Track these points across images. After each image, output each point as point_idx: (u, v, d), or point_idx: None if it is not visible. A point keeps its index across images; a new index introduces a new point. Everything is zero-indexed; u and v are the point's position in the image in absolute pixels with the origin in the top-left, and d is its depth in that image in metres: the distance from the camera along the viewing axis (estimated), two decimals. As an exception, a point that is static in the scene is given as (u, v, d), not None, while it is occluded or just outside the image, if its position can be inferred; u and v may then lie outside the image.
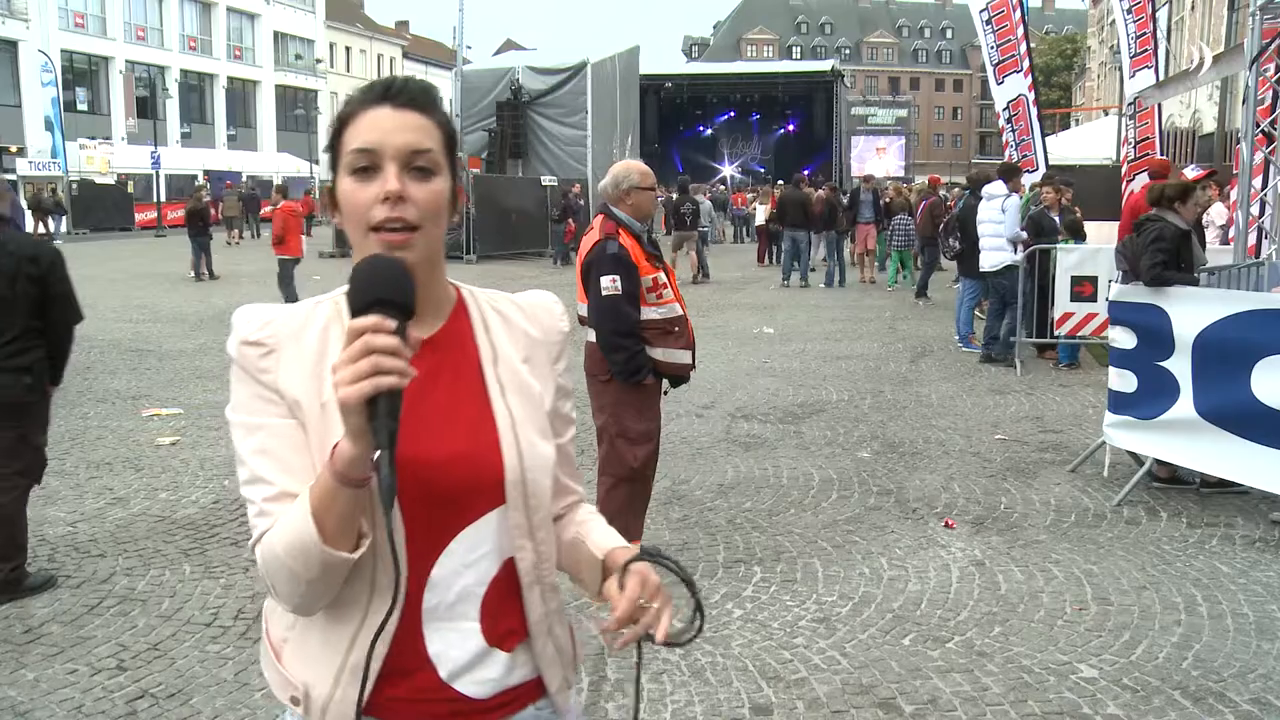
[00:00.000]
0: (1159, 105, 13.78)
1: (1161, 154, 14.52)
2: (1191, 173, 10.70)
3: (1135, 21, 13.73)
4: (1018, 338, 10.10)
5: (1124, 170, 14.50)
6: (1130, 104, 13.75)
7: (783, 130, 49.27)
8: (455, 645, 1.35)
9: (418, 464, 1.28)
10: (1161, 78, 13.40)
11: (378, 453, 1.15)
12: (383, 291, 1.18)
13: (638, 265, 4.52)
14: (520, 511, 1.38)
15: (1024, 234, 10.28)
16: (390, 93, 1.35)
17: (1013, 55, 15.02)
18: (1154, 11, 13.88)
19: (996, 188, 10.55)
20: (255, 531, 1.30)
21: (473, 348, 1.42)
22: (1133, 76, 13.53)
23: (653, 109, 42.74)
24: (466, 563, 1.35)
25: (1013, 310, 10.24)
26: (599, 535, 1.49)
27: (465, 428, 1.36)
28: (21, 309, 4.43)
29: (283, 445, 1.31)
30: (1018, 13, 15.02)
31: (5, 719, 3.47)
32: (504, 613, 1.39)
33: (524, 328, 1.47)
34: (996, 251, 10.28)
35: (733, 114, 50.18)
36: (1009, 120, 15.16)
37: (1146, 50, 13.58)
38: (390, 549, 1.19)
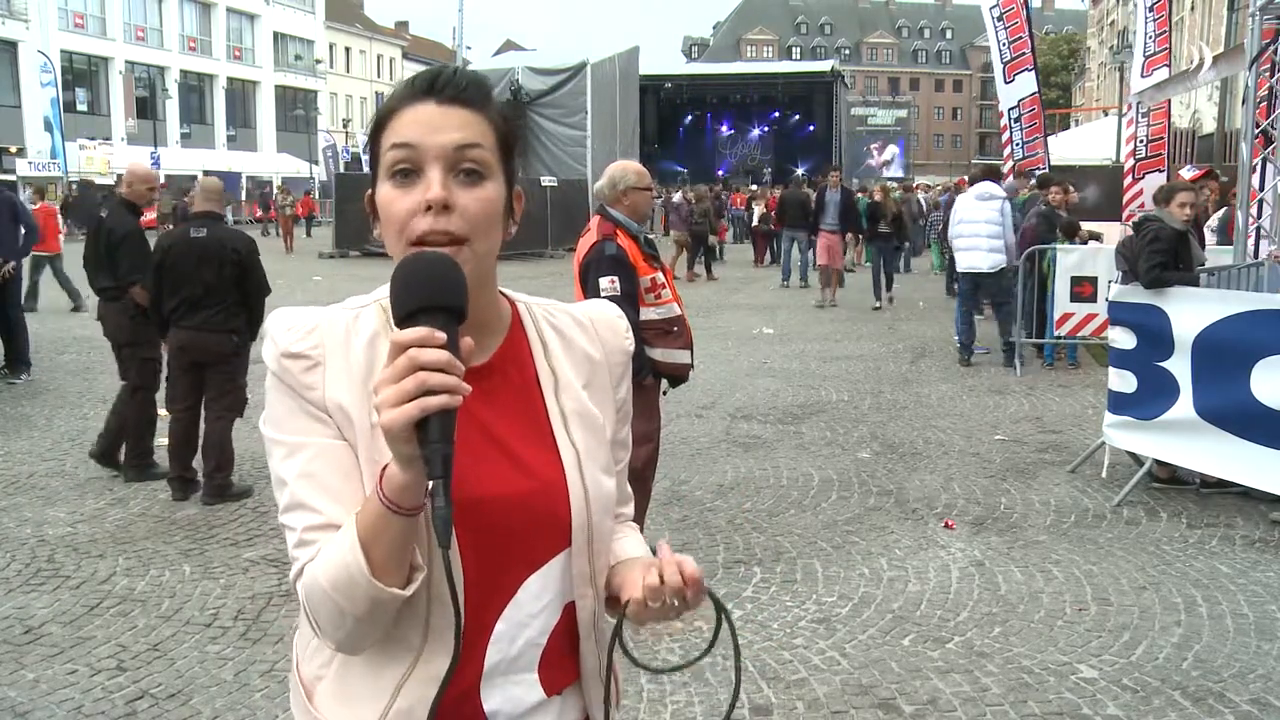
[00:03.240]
0: (1169, 104, 13.75)
1: (1168, 154, 14.51)
2: (1189, 173, 10.71)
3: (1156, 20, 13.68)
4: (1017, 338, 10.10)
5: (1128, 168, 14.48)
6: (1140, 102, 13.71)
7: (783, 130, 49.30)
8: (514, 700, 1.24)
9: (479, 505, 1.16)
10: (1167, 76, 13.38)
11: (430, 482, 1.02)
12: (428, 297, 1.05)
13: (636, 266, 4.52)
14: (584, 557, 1.25)
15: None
16: (436, 86, 1.18)
17: (1024, 53, 15.00)
18: (1171, 9, 13.83)
19: (992, 188, 10.38)
20: (296, 564, 1.16)
21: (531, 373, 1.28)
22: (1149, 75, 13.47)
23: (653, 109, 42.75)
24: (533, 613, 1.24)
25: (1004, 310, 10.31)
26: (626, 544, 1.36)
27: (528, 464, 1.22)
28: (228, 285, 5.74)
29: (330, 469, 1.17)
30: (1025, 10, 15.01)
31: (5, 719, 3.47)
32: (561, 662, 1.29)
33: (585, 349, 1.32)
34: (994, 254, 10.14)
35: (733, 114, 50.20)
36: (1017, 119, 15.10)
37: (1165, 49, 13.53)
38: (450, 589, 1.06)
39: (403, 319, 1.05)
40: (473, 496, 1.14)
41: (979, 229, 10.26)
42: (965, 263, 10.39)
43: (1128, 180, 13.92)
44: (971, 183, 12.34)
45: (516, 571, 1.22)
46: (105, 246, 6.32)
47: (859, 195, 17.66)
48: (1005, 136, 15.59)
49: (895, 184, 32.08)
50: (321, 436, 1.17)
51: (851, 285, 18.03)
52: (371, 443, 1.16)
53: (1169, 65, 13.38)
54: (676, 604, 1.18)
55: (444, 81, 1.19)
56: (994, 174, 10.85)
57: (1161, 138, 13.95)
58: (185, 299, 5.70)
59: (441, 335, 1.01)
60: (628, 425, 1.39)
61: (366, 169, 1.30)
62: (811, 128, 45.68)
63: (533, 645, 1.24)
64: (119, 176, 6.86)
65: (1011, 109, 15.18)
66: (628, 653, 1.25)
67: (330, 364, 1.19)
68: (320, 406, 1.18)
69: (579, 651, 1.30)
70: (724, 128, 51.14)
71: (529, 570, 1.23)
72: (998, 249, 10.14)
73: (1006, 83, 15.23)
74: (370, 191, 1.22)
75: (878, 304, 14.95)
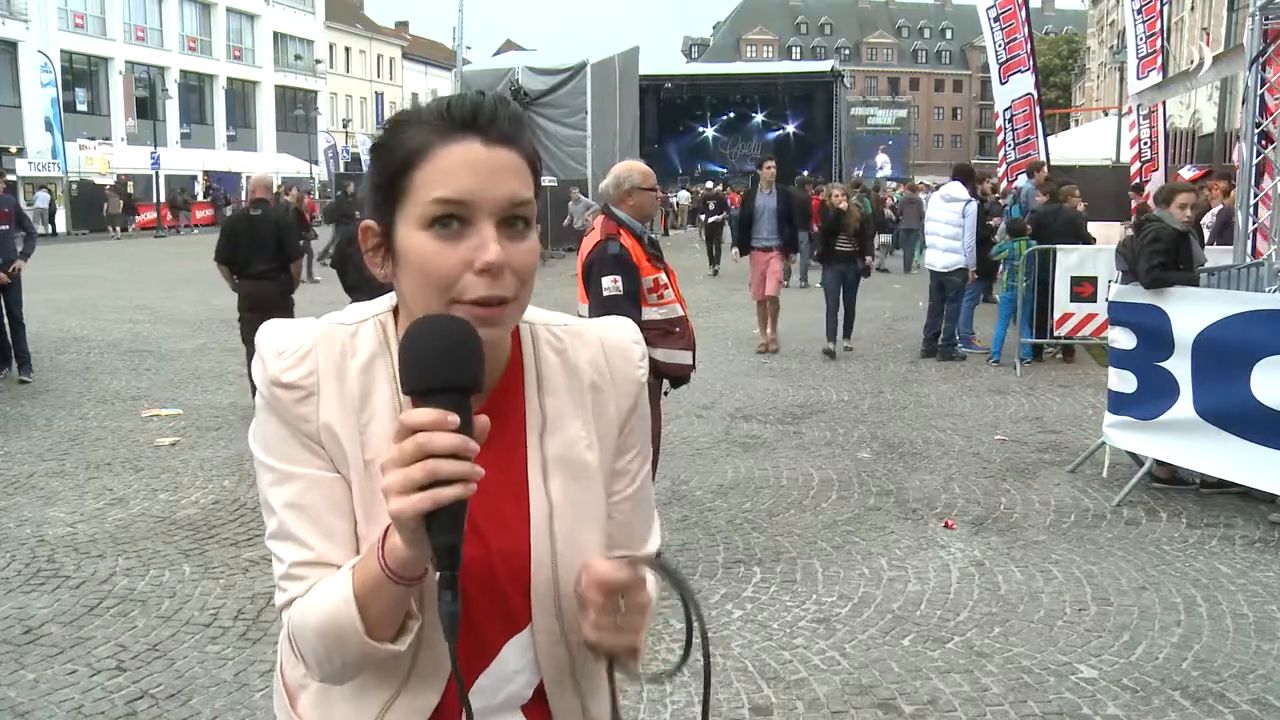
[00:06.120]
0: (1164, 105, 13.80)
1: (1164, 155, 14.56)
2: (1189, 173, 10.75)
3: (1145, 22, 13.72)
4: (1019, 338, 10.13)
5: (1135, 170, 14.52)
6: (1140, 104, 13.77)
7: (782, 130, 49.31)
8: None
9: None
10: (1161, 78, 13.44)
11: (438, 574, 0.97)
12: (443, 376, 0.96)
13: (639, 266, 4.53)
14: (552, 618, 1.19)
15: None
16: (479, 123, 1.07)
17: (1019, 54, 15.03)
18: (1161, 10, 13.89)
19: (956, 190, 10.66)
20: (282, 594, 1.13)
21: (520, 413, 1.19)
22: (1144, 77, 13.51)
23: (652, 109, 42.74)
24: (516, 669, 1.20)
25: (953, 309, 10.61)
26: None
27: (503, 517, 1.16)
28: None
29: (322, 503, 1.12)
30: (1023, 11, 15.04)
31: (5, 719, 3.47)
32: (543, 704, 1.25)
33: (591, 377, 1.23)
34: (950, 254, 10.54)
35: (732, 114, 50.22)
36: (1009, 120, 15.16)
37: (1154, 51, 13.58)
38: (459, 687, 1.02)
39: (412, 394, 0.98)
40: None
41: (938, 229, 10.69)
42: (927, 261, 11.04)
43: (1136, 183, 13.97)
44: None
45: (496, 635, 1.18)
46: (274, 232, 7.89)
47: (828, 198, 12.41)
48: (1000, 138, 15.64)
49: (896, 183, 31.93)
50: (314, 468, 1.12)
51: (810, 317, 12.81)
52: (365, 479, 1.11)
53: (1162, 67, 13.43)
54: (621, 609, 1.11)
55: (487, 118, 1.07)
56: (966, 174, 11.08)
57: (1155, 139, 14.04)
58: (351, 277, 6.82)
59: (455, 418, 0.94)
60: (633, 453, 1.27)
61: (365, 167, 1.21)
62: (812, 128, 45.69)
63: (517, 696, 1.22)
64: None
65: (1006, 109, 15.22)
66: (624, 671, 1.20)
67: (324, 394, 1.13)
68: (314, 438, 1.12)
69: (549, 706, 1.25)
70: (724, 128, 51.14)
71: (509, 633, 1.19)
72: (954, 249, 10.53)
73: (1002, 84, 15.27)
74: (374, 225, 1.12)
75: (830, 346, 10.87)
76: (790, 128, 48.80)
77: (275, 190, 19.07)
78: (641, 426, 1.28)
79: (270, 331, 1.16)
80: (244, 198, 8.60)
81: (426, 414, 0.94)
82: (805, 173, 24.74)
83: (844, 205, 11.07)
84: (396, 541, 0.99)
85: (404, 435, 0.94)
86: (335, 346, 1.15)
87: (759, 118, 50.00)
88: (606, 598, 1.10)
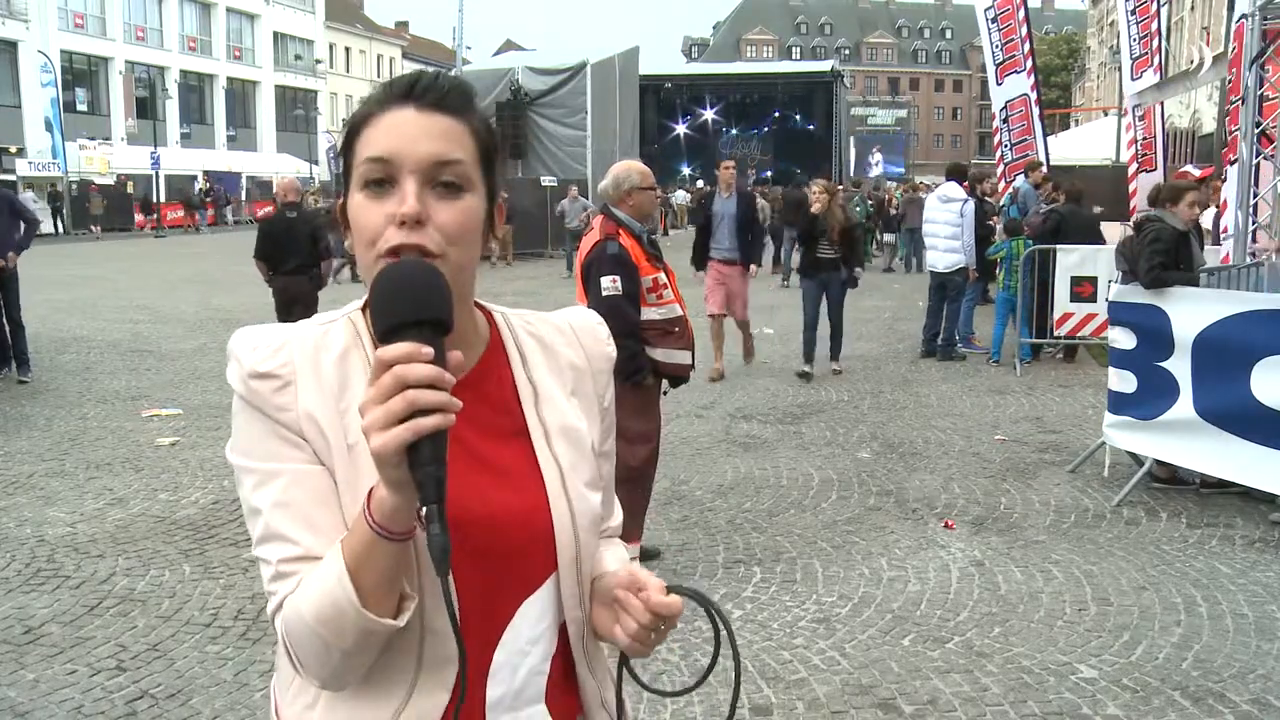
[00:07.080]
0: (1162, 105, 13.81)
1: (1163, 155, 14.57)
2: (1196, 172, 10.76)
3: (1139, 23, 13.74)
4: (1020, 338, 10.13)
5: (1133, 172, 14.54)
6: (1138, 105, 13.80)
7: (782, 131, 49.31)
8: None
9: (466, 527, 1.08)
10: (1161, 78, 13.47)
11: (424, 508, 0.97)
12: (412, 310, 0.98)
13: (638, 266, 4.53)
14: (573, 578, 1.20)
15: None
16: (415, 91, 1.12)
17: (1015, 55, 15.03)
18: (1157, 10, 13.91)
19: (952, 190, 10.64)
20: (274, 598, 1.10)
21: (510, 387, 1.22)
22: (1138, 78, 13.53)
23: (652, 109, 42.76)
24: (532, 639, 1.18)
25: (953, 308, 10.61)
26: (610, 558, 1.30)
27: (512, 482, 1.17)
28: None
29: (307, 497, 1.10)
30: (1021, 11, 15.03)
31: (5, 719, 3.47)
32: (567, 689, 1.24)
33: (568, 356, 1.28)
34: (950, 254, 10.52)
35: (733, 114, 50.22)
36: (1005, 121, 15.18)
37: (1146, 53, 13.60)
38: (450, 620, 0.99)
39: (384, 334, 0.99)
40: (459, 518, 1.05)
41: (937, 230, 10.67)
42: (928, 262, 11.10)
43: (1133, 185, 13.99)
44: (972, 183, 12.42)
45: (510, 597, 1.17)
46: (307, 232, 8.69)
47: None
48: (997, 139, 15.65)
49: (897, 182, 31.90)
50: (296, 462, 1.11)
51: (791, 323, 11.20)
52: (349, 464, 1.11)
53: (1156, 67, 13.44)
54: (661, 629, 1.16)
55: (424, 86, 1.12)
56: (959, 174, 11.06)
57: (1149, 138, 14.06)
58: None
59: (429, 350, 0.96)
60: (612, 436, 1.34)
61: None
62: (811, 128, 45.70)
63: (536, 674, 1.20)
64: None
65: (1002, 110, 15.23)
66: (640, 682, 1.23)
67: (301, 382, 1.13)
68: (294, 429, 1.12)
69: (576, 679, 1.25)
70: (724, 128, 51.16)
71: (523, 595, 1.18)
72: (954, 249, 10.51)
73: (998, 85, 15.27)
74: (341, 200, 1.16)
75: (806, 368, 9.74)
76: (790, 128, 48.80)
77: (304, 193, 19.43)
78: (614, 408, 1.35)
79: (241, 335, 1.17)
80: (276, 200, 9.52)
81: (400, 348, 0.96)
82: (798, 171, 24.71)
83: (817, 208, 9.65)
84: (382, 493, 0.99)
85: (380, 371, 0.96)
86: (309, 342, 1.16)
87: (759, 118, 49.97)
88: (654, 618, 1.14)
